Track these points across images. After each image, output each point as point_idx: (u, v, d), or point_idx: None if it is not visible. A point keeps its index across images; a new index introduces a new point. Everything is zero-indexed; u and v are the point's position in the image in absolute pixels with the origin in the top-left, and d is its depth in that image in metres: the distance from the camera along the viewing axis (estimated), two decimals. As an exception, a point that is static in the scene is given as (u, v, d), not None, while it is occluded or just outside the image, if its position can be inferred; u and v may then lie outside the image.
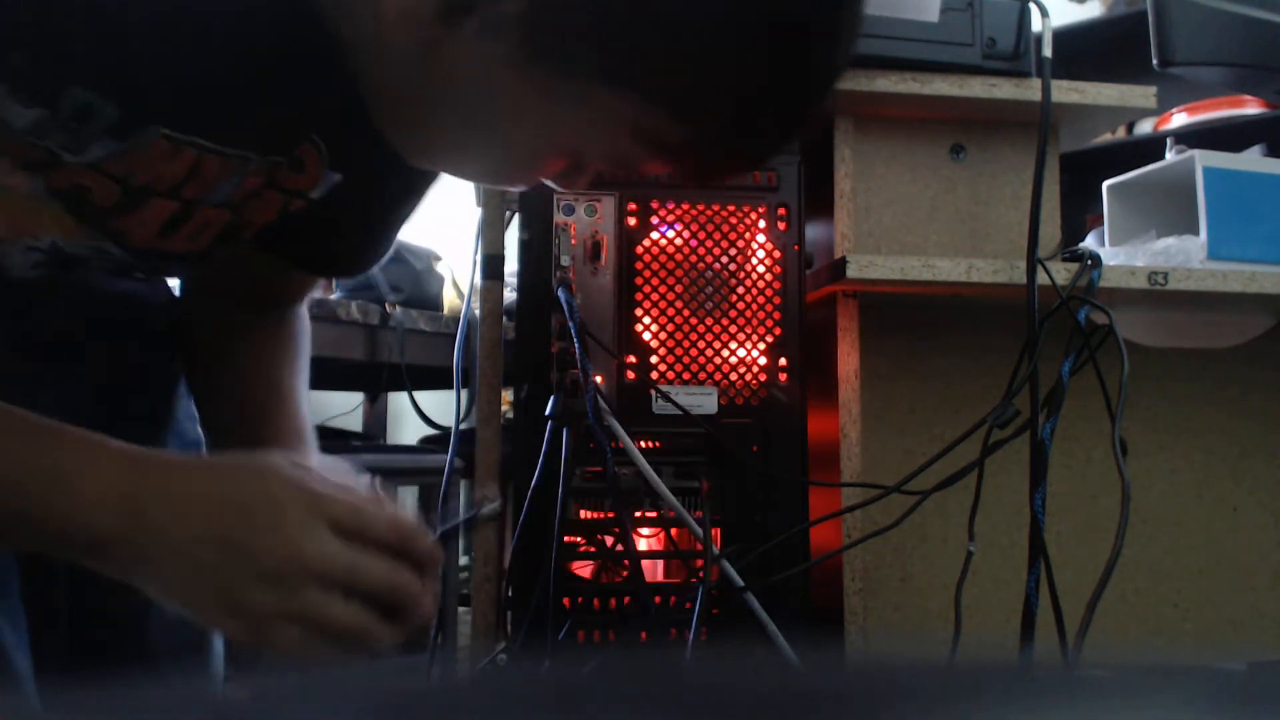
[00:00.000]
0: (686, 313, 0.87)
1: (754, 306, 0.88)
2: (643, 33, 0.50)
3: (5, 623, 0.67)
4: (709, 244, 0.88)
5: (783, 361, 0.88)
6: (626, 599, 0.83)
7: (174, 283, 0.80)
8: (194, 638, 0.83)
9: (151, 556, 0.52)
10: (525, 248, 0.89)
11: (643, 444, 0.84)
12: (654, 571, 0.87)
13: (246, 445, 0.66)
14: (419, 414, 2.16)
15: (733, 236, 0.88)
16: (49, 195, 0.59)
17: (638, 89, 0.52)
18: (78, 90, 0.52)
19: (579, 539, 0.84)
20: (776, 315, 0.88)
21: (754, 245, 0.89)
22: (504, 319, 1.00)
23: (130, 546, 0.51)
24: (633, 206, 0.88)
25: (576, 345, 0.80)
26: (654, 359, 0.87)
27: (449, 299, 2.27)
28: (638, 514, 0.84)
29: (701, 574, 0.84)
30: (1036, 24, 1.03)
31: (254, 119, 0.60)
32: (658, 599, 0.83)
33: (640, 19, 0.50)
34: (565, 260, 0.86)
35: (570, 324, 0.81)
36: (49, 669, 0.71)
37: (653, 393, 0.85)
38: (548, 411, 0.81)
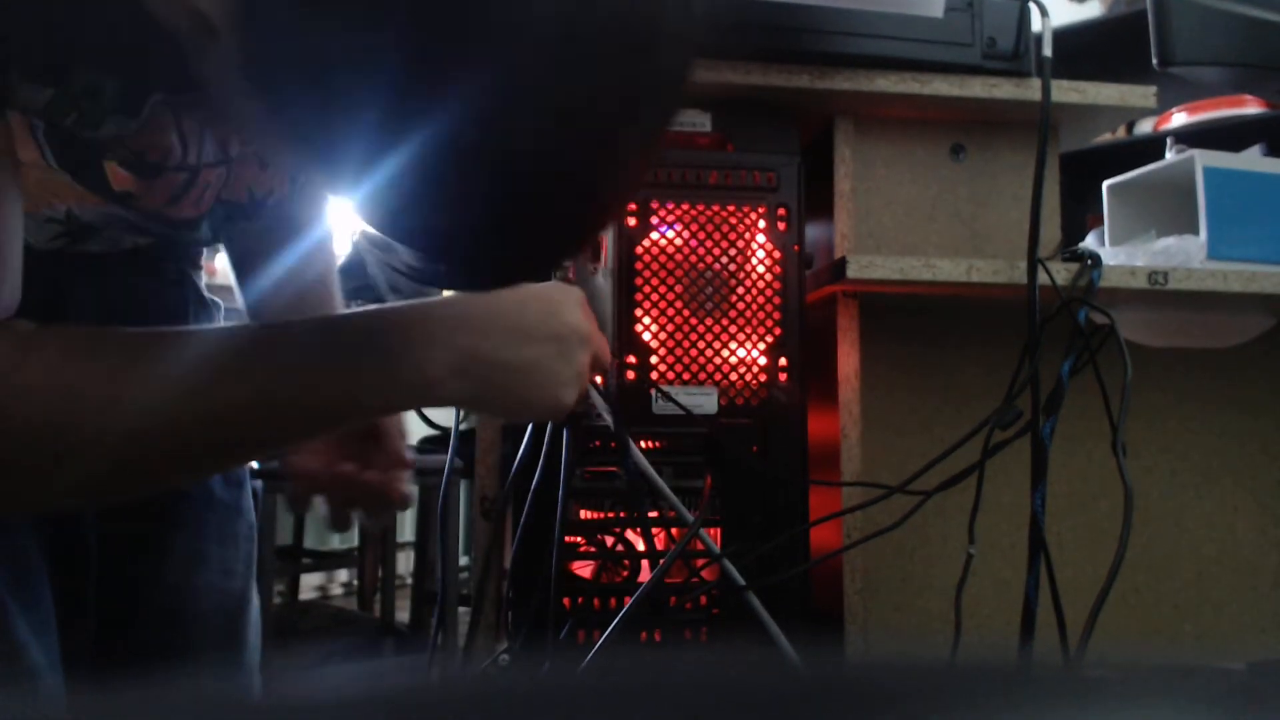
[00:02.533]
0: (686, 313, 0.87)
1: (754, 307, 0.88)
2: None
3: (23, 619, 0.68)
4: (709, 244, 0.88)
5: (783, 362, 0.88)
6: (627, 599, 0.83)
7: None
8: (229, 630, 0.85)
9: (488, 386, 0.62)
10: (525, 248, 0.89)
11: (643, 444, 0.84)
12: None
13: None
14: (419, 414, 2.16)
15: (732, 237, 0.88)
16: (59, 167, 0.62)
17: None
18: (83, 70, 0.55)
19: (579, 539, 0.84)
20: (776, 315, 0.88)
21: (754, 245, 0.89)
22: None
23: (473, 391, 0.61)
24: (633, 206, 0.88)
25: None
26: (654, 359, 0.87)
27: (449, 299, 2.27)
28: (638, 514, 0.84)
29: (703, 574, 0.84)
30: (1036, 24, 1.03)
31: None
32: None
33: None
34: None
35: (570, 324, 0.81)
36: (82, 664, 0.72)
37: (653, 393, 0.85)
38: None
